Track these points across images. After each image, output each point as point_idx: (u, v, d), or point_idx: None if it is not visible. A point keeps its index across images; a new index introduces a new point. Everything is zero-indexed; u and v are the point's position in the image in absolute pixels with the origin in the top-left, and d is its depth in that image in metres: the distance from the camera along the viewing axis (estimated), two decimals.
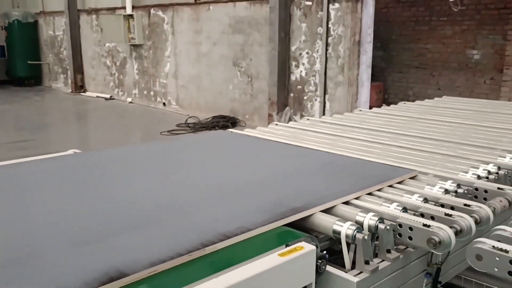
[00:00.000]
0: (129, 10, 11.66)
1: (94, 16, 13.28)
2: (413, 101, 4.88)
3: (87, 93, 13.95)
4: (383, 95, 10.47)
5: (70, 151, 2.65)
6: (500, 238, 1.59)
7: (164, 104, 11.56)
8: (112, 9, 12.47)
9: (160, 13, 11.15)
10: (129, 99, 12.61)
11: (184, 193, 1.94)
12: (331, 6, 7.66)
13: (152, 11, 11.34)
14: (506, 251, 1.46)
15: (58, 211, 1.73)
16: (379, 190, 2.05)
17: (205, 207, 1.77)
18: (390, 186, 2.11)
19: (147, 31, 11.62)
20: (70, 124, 10.69)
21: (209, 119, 9.51)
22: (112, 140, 8.24)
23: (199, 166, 2.40)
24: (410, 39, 10.13)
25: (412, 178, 2.25)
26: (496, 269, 1.48)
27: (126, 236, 1.49)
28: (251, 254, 1.40)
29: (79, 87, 14.18)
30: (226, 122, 9.26)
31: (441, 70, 9.68)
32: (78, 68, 14.05)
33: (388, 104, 4.77)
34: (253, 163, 2.48)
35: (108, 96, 13.18)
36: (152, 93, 11.90)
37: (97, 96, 13.43)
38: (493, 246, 1.50)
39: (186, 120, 9.60)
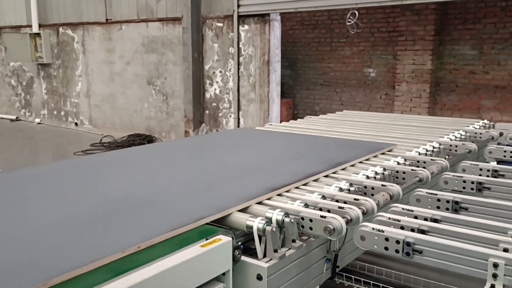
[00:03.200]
0: (35, 29, 11.27)
1: None
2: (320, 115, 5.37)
3: None
4: (293, 110, 11.07)
5: None
6: (379, 222, 1.97)
7: (76, 124, 11.25)
8: (17, 27, 11.96)
9: (69, 31, 10.92)
10: (38, 120, 12.09)
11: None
12: (241, 27, 8.09)
13: (61, 29, 11.07)
14: (382, 231, 1.83)
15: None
16: (287, 191, 2.37)
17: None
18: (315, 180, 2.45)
19: (56, 50, 11.30)
20: None
21: (124, 138, 9.46)
22: (21, 162, 7.92)
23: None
24: (314, 59, 10.84)
25: (315, 180, 2.62)
26: (375, 246, 1.84)
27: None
28: (178, 247, 1.64)
29: None
30: (142, 140, 9.28)
31: (343, 87, 10.48)
32: None
33: (297, 118, 5.21)
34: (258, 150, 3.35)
35: (13, 117, 12.52)
36: (62, 113, 11.54)
37: (1, 118, 12.71)
38: (372, 228, 1.86)
39: (101, 139, 9.47)
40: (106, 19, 10.13)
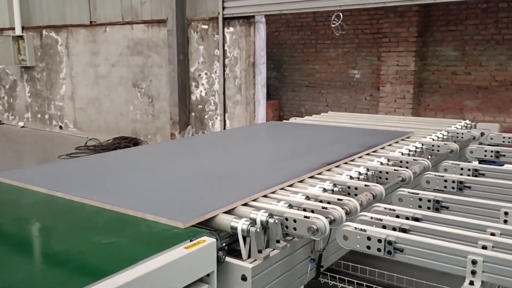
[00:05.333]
0: (18, 31, 11.15)
1: None
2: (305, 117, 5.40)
3: None
4: (279, 112, 11.11)
5: None
6: (362, 222, 2.00)
7: (60, 127, 11.15)
8: None
9: (53, 34, 10.82)
10: (21, 123, 11.95)
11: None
12: (226, 30, 8.10)
13: (44, 32, 10.96)
14: (365, 230, 1.86)
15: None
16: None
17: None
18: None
19: (40, 52, 11.19)
20: None
21: (110, 141, 9.40)
22: (4, 167, 7.82)
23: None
24: (300, 61, 10.89)
25: (300, 181, 2.65)
26: (358, 245, 1.86)
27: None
28: (161, 249, 1.64)
29: None
30: (127, 143, 9.22)
31: (328, 88, 10.55)
32: None
33: (283, 120, 5.23)
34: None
35: None
36: (47, 116, 11.42)
37: None
38: (355, 228, 1.89)
39: (86, 142, 9.39)
40: (90, 22, 10.07)
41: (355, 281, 2.34)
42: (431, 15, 9.13)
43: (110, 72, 9.96)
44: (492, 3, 8.47)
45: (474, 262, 1.60)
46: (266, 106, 8.47)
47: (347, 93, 10.30)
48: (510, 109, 8.54)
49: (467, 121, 4.80)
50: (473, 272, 1.60)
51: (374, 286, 2.33)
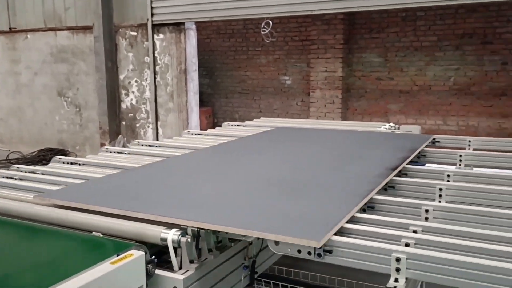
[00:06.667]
0: None
1: None
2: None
3: None
4: (213, 119, 11.08)
5: None
6: None
7: None
8: None
9: None
10: None
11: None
12: (156, 36, 7.96)
13: None
14: None
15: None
16: None
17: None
18: None
19: None
20: None
21: (34, 153, 8.90)
22: None
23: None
24: (231, 67, 10.95)
25: None
26: (289, 250, 1.88)
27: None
28: (85, 265, 1.56)
29: None
30: (54, 155, 8.74)
31: (261, 94, 10.69)
32: None
33: (216, 127, 5.21)
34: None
35: None
36: None
37: None
38: None
39: (7, 156, 8.83)
40: (10, 28, 9.50)
41: (289, 285, 2.37)
42: (355, 23, 9.52)
43: (33, 81, 9.45)
44: (410, 12, 8.99)
45: (398, 260, 1.66)
46: (199, 113, 8.41)
47: (279, 99, 10.49)
48: (430, 112, 9.09)
49: (392, 124, 5.04)
50: (398, 270, 1.66)
51: None
